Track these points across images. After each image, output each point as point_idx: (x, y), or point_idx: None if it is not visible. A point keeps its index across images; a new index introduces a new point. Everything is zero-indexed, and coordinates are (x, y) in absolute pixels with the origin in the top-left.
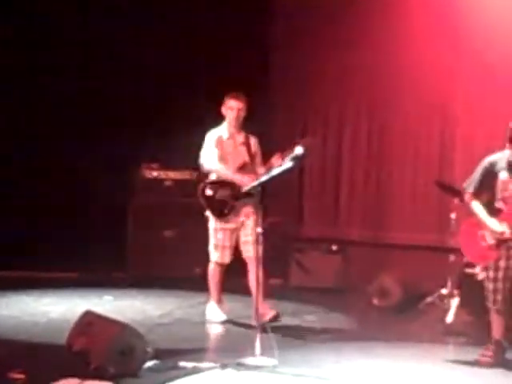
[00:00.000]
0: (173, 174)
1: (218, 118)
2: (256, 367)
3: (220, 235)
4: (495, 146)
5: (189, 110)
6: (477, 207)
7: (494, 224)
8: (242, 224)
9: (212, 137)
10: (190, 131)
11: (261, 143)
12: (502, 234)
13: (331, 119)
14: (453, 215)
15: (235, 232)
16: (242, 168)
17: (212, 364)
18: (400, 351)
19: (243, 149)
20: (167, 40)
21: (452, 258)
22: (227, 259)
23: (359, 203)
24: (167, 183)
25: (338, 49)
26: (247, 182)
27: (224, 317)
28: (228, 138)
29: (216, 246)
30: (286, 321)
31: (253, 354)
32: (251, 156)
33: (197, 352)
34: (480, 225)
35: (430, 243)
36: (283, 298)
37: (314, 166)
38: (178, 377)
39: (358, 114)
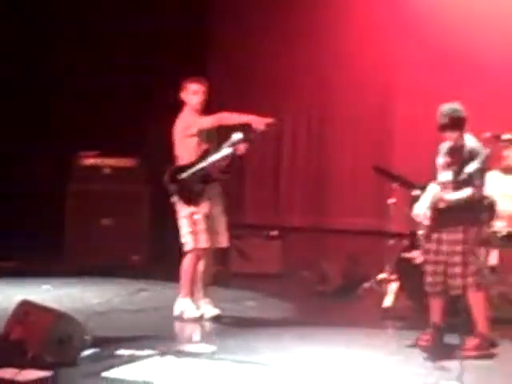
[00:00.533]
0: (111, 162)
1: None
2: (195, 354)
3: (193, 220)
4: (435, 132)
5: (128, 98)
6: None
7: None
8: (211, 211)
9: (179, 125)
10: (130, 119)
11: None
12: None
13: (270, 106)
14: (391, 200)
15: (207, 218)
16: (209, 151)
17: (151, 351)
18: (339, 336)
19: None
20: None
21: (390, 242)
22: (207, 243)
23: (299, 189)
24: (105, 171)
25: (276, 37)
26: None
27: (198, 313)
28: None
29: (193, 232)
30: (225, 307)
31: (192, 341)
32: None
33: (136, 340)
34: None
35: (369, 228)
36: (223, 284)
37: (254, 152)
38: (116, 365)
39: (298, 101)
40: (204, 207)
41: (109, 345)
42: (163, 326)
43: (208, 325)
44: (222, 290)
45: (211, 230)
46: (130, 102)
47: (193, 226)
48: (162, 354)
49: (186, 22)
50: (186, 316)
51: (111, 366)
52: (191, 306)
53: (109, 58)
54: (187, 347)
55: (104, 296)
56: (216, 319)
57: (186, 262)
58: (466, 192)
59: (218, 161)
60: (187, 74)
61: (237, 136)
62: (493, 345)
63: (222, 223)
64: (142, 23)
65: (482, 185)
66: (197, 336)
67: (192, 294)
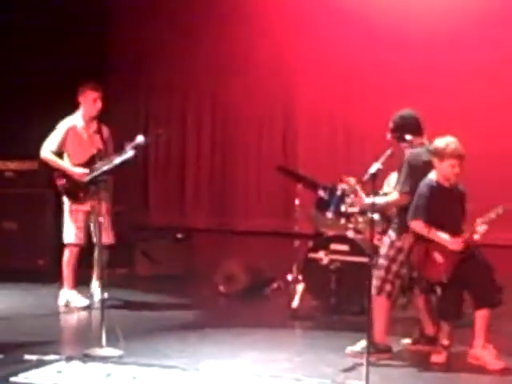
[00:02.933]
0: (13, 165)
1: (57, 109)
2: (102, 358)
3: (75, 216)
4: (337, 134)
5: (29, 101)
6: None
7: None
8: (94, 208)
9: (64, 125)
10: (31, 121)
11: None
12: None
13: (175, 107)
14: (297, 201)
15: (90, 215)
16: (97, 155)
17: (57, 356)
18: (247, 338)
19: (97, 137)
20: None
21: (297, 243)
22: (82, 240)
23: (205, 191)
24: (7, 174)
25: (180, 37)
26: (81, 174)
27: (86, 301)
28: (83, 127)
29: (71, 228)
30: (132, 310)
31: (99, 345)
32: (104, 144)
33: (42, 345)
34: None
35: (275, 229)
36: (129, 287)
37: (159, 154)
38: (22, 370)
39: (202, 102)
40: (87, 206)
41: (14, 350)
42: (69, 330)
43: (115, 328)
44: (129, 293)
45: (92, 229)
46: (31, 104)
47: (72, 222)
48: (68, 358)
49: (85, 22)
50: (72, 305)
51: (16, 372)
52: (77, 297)
53: (8, 61)
54: (94, 351)
55: (9, 301)
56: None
57: (65, 256)
58: (389, 198)
59: (122, 163)
60: (87, 77)
61: (140, 138)
62: (387, 351)
63: (107, 221)
64: (41, 23)
65: (405, 190)
66: (103, 340)
67: (74, 286)
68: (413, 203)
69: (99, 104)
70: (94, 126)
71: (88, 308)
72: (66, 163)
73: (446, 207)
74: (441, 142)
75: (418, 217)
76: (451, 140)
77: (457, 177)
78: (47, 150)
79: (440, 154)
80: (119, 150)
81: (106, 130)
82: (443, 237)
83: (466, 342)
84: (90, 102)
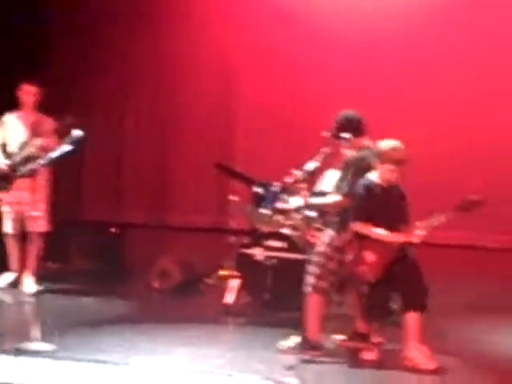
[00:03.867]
0: None
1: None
2: (35, 352)
3: (5, 206)
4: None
5: None
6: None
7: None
8: (27, 198)
9: (3, 118)
10: None
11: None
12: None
13: (113, 100)
14: (232, 197)
15: (17, 204)
16: (23, 145)
17: None
18: (179, 334)
19: (29, 128)
20: None
21: (231, 239)
22: (15, 229)
23: (141, 186)
24: None
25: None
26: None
27: (4, 282)
28: (20, 119)
29: (4, 217)
30: (65, 304)
31: (31, 339)
32: (34, 135)
33: None
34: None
35: (211, 225)
36: (64, 281)
37: (95, 148)
38: None
39: (140, 96)
40: (11, 196)
41: None
42: (3, 324)
43: (48, 322)
44: (62, 287)
45: (26, 215)
46: None
47: (4, 211)
48: (0, 352)
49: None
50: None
51: None
52: (6, 277)
53: None
54: (26, 345)
55: None
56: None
57: (7, 245)
58: (331, 199)
59: (58, 157)
60: (24, 73)
61: (77, 133)
62: (320, 347)
63: (42, 209)
64: None
65: (348, 194)
66: (36, 334)
67: (16, 270)
68: (352, 204)
69: (32, 97)
70: (33, 117)
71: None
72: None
73: (382, 207)
74: (385, 145)
75: (358, 219)
76: (395, 145)
77: (395, 179)
78: None
79: (381, 156)
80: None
81: (48, 122)
82: (383, 233)
83: (398, 340)
84: (25, 95)
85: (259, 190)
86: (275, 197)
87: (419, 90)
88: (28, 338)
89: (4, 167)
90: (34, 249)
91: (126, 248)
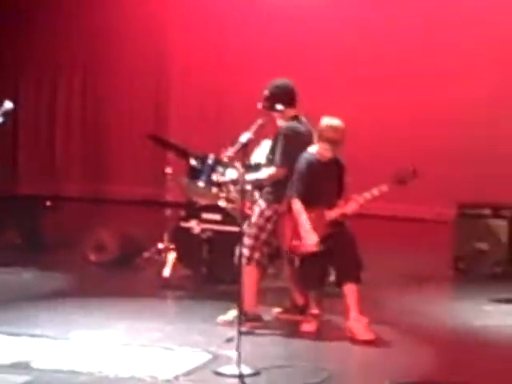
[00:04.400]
0: None
1: None
2: None
3: None
4: (209, 103)
5: None
6: None
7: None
8: None
9: None
10: None
11: None
12: None
13: (45, 71)
14: (168, 169)
15: None
16: None
17: None
18: (117, 307)
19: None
20: None
21: (168, 212)
22: None
23: (76, 158)
24: None
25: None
26: None
27: None
28: None
29: None
30: (0, 279)
31: None
32: None
33: None
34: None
35: (147, 197)
36: None
37: (27, 120)
38: None
39: (73, 67)
40: None
41: None
42: None
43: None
44: None
45: None
46: None
47: None
48: None
49: None
50: None
51: None
52: None
53: None
54: None
55: None
56: None
57: None
58: (266, 172)
59: None
60: None
61: (9, 104)
62: (258, 319)
63: None
64: None
65: (282, 164)
66: None
67: None
68: (292, 178)
69: None
70: None
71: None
72: None
73: (322, 181)
74: (323, 123)
75: (296, 194)
76: (333, 124)
77: (332, 156)
78: None
79: (319, 134)
80: None
81: None
82: (306, 228)
83: (335, 311)
84: None
85: (195, 162)
86: (211, 169)
87: (363, 61)
88: None
89: None
90: None
91: (62, 221)
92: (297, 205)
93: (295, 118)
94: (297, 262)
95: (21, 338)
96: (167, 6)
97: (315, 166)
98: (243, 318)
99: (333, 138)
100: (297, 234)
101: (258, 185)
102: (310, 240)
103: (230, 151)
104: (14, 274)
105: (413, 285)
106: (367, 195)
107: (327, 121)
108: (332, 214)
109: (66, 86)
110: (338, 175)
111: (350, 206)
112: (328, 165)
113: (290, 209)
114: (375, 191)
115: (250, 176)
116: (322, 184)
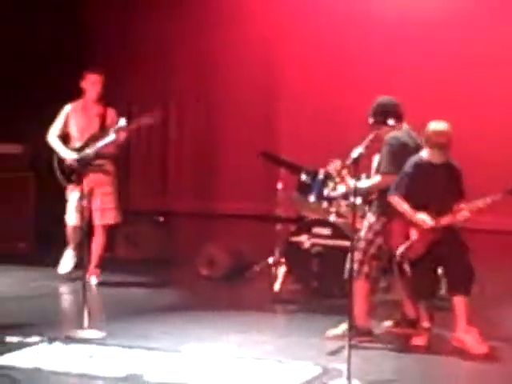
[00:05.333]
0: None
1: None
2: (84, 340)
3: (70, 198)
4: (320, 119)
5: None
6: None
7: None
8: (92, 190)
9: (65, 109)
10: (12, 105)
11: None
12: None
13: (157, 90)
14: (279, 185)
15: (86, 197)
16: (93, 138)
17: (39, 338)
18: (229, 321)
19: (96, 120)
20: None
21: (279, 226)
22: (77, 222)
23: (187, 174)
24: None
25: (159, 22)
26: (70, 159)
27: (65, 269)
28: (82, 110)
29: (68, 209)
30: (114, 292)
31: (81, 327)
32: (104, 127)
33: (23, 327)
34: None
35: (258, 212)
36: (111, 270)
37: (141, 137)
38: (3, 352)
39: (185, 87)
40: (81, 188)
41: None
42: (51, 312)
43: (97, 310)
44: (110, 276)
45: (94, 208)
46: (12, 88)
47: (68, 203)
48: (50, 340)
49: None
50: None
51: (0, 353)
52: (63, 260)
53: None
54: (76, 333)
55: None
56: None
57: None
58: (372, 180)
59: (104, 146)
60: (67, 63)
61: (122, 122)
62: (368, 333)
63: (109, 201)
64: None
65: (387, 172)
66: (86, 322)
67: (73, 248)
68: (395, 180)
69: (98, 87)
70: (98, 109)
71: (63, 277)
72: (60, 147)
73: (432, 185)
74: (429, 128)
75: (396, 192)
76: (439, 128)
77: (443, 160)
78: (51, 134)
79: (425, 139)
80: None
81: (111, 114)
82: (413, 214)
83: (447, 325)
84: (89, 85)
85: (305, 177)
86: (321, 184)
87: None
88: (78, 326)
89: (73, 163)
90: (100, 241)
91: (173, 236)
92: (397, 200)
93: (402, 130)
94: (407, 269)
95: (134, 351)
96: (276, 28)
97: (422, 167)
98: (354, 331)
99: (440, 143)
100: (405, 238)
101: (366, 198)
102: (421, 218)
103: (335, 164)
104: (126, 289)
105: None
106: (479, 203)
107: (433, 125)
108: (442, 221)
109: (178, 103)
110: (452, 180)
111: (461, 215)
112: (440, 169)
113: (398, 214)
114: (488, 199)
115: (361, 184)
116: (432, 188)
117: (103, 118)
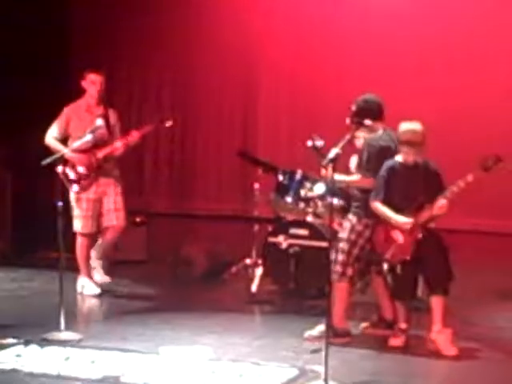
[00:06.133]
0: None
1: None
2: (60, 342)
3: (80, 204)
4: (297, 119)
5: None
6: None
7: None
8: (104, 193)
9: (65, 111)
10: None
11: None
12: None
13: (135, 88)
14: (256, 185)
15: (97, 202)
16: (100, 140)
17: (15, 340)
18: (205, 322)
19: (101, 121)
20: None
21: (256, 227)
22: (90, 229)
23: (164, 175)
24: None
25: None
26: (78, 159)
27: (98, 290)
28: (86, 111)
29: (79, 217)
30: (90, 294)
31: (57, 329)
32: (108, 128)
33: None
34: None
35: (235, 213)
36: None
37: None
38: None
39: (162, 84)
40: (92, 193)
41: None
42: (28, 314)
43: (73, 312)
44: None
45: (105, 210)
46: None
47: (78, 210)
48: (26, 342)
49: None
50: (85, 293)
51: None
52: (90, 284)
53: None
54: (52, 335)
55: None
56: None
57: (77, 245)
58: (352, 177)
59: (79, 147)
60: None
61: (99, 122)
62: (346, 334)
63: (120, 201)
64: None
65: (366, 174)
66: (62, 324)
67: (88, 274)
68: (374, 185)
69: (99, 87)
70: (99, 110)
71: (99, 296)
72: (59, 148)
73: (408, 186)
74: (401, 127)
75: (376, 198)
76: (409, 128)
77: (414, 159)
78: (49, 136)
79: (398, 138)
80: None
81: (113, 115)
82: (394, 217)
83: (424, 326)
84: (90, 85)
85: (282, 178)
86: (299, 185)
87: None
88: (54, 328)
89: (83, 161)
90: (110, 242)
91: (150, 237)
92: (377, 205)
93: (379, 130)
94: (399, 270)
95: (110, 353)
96: (257, 18)
97: (397, 170)
98: (331, 333)
99: (411, 140)
100: (391, 240)
101: (345, 199)
102: (401, 220)
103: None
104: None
105: (507, 302)
106: (454, 188)
107: (405, 125)
108: (421, 216)
109: (155, 102)
110: (429, 181)
111: (438, 204)
112: (415, 170)
113: (379, 217)
114: (461, 183)
115: (339, 177)
116: (409, 189)
117: (106, 118)
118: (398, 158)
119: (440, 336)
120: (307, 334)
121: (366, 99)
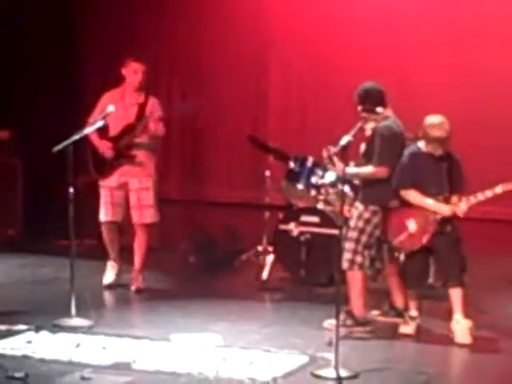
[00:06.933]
0: None
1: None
2: (71, 328)
3: (102, 192)
4: (308, 107)
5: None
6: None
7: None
8: (127, 185)
9: (104, 97)
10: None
11: None
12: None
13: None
14: (267, 172)
15: (118, 191)
16: (128, 128)
17: (26, 326)
18: (216, 309)
19: (134, 110)
20: None
21: (267, 214)
22: (111, 216)
23: (175, 161)
24: None
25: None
26: (105, 148)
27: (109, 279)
28: (120, 98)
29: (101, 204)
30: (101, 281)
31: (68, 315)
32: (140, 117)
33: (11, 315)
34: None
35: (246, 200)
36: (99, 258)
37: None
38: None
39: (173, 74)
40: (112, 182)
41: None
42: (39, 301)
43: (84, 299)
44: (97, 264)
45: (131, 208)
46: (2, 74)
47: (101, 197)
48: (38, 328)
49: None
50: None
51: None
52: (106, 272)
53: None
54: (63, 321)
55: None
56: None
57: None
58: (366, 170)
59: (91, 133)
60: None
61: (110, 108)
62: (365, 323)
63: (147, 198)
64: None
65: (380, 164)
66: (73, 310)
67: (114, 259)
68: (396, 173)
69: (140, 75)
70: (137, 98)
71: (109, 287)
72: (94, 136)
73: (430, 176)
74: (427, 122)
75: (404, 186)
76: (437, 123)
77: (441, 151)
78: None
79: (424, 133)
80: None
81: (152, 103)
82: (435, 204)
83: (435, 314)
84: (131, 74)
85: (294, 165)
86: (310, 172)
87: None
88: (65, 314)
89: (109, 152)
90: (141, 242)
91: (162, 224)
92: (409, 192)
93: (387, 117)
94: (402, 258)
95: (122, 340)
96: (269, 3)
97: (420, 159)
98: (352, 322)
99: (441, 137)
100: (402, 230)
101: (356, 186)
102: (444, 209)
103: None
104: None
105: None
106: (480, 196)
107: (430, 119)
108: (459, 209)
109: (166, 90)
110: (453, 172)
111: (460, 207)
112: (440, 160)
113: (399, 204)
114: (488, 193)
115: (351, 169)
116: (431, 179)
117: (142, 107)
118: (422, 147)
119: (458, 325)
120: (327, 322)
121: (370, 87)
